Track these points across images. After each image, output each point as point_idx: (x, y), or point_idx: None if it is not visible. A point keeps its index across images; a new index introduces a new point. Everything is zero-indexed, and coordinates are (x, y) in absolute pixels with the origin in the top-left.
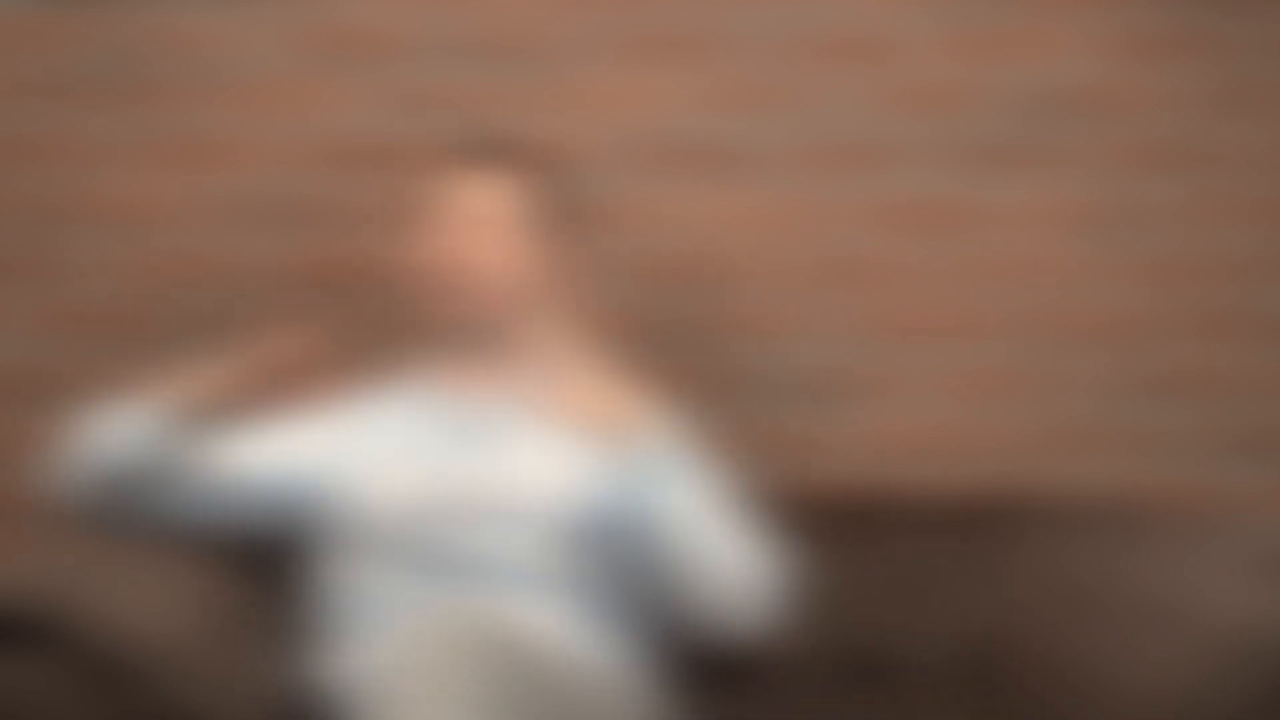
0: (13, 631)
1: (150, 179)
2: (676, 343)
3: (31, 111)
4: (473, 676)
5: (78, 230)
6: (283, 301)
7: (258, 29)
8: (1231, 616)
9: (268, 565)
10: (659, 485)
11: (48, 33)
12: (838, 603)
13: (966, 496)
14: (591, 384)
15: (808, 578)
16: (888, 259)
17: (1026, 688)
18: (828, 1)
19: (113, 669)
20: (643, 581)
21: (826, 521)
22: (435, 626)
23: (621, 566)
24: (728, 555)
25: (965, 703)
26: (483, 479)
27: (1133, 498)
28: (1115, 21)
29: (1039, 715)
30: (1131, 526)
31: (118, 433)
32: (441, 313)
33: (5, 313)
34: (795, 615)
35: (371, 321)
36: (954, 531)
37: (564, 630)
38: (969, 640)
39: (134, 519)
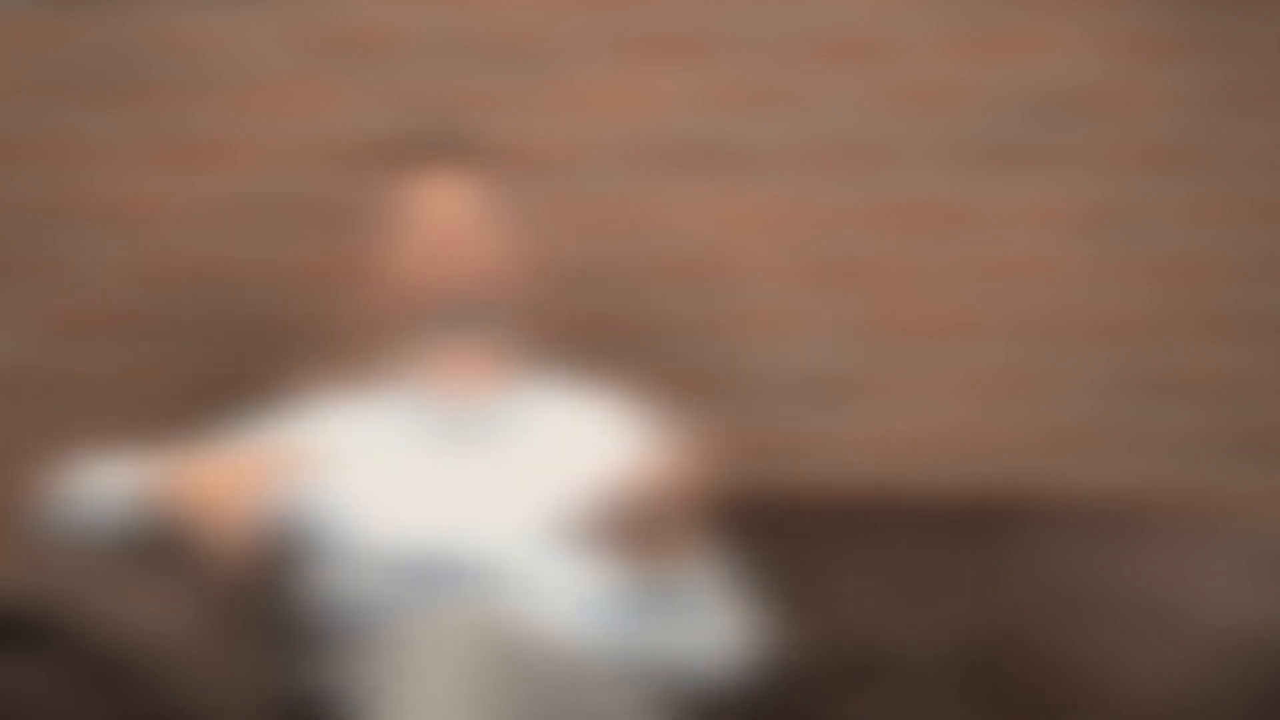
0: (13, 631)
1: (150, 179)
2: (676, 343)
3: (31, 111)
4: (475, 679)
5: (78, 230)
6: (283, 301)
7: (258, 29)
8: (1231, 616)
9: (268, 567)
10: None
11: (48, 33)
12: (837, 603)
13: (966, 496)
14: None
15: (807, 578)
16: (888, 259)
17: (1026, 687)
18: (828, 1)
19: (113, 669)
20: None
21: (826, 521)
22: (436, 630)
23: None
24: (714, 636)
25: (965, 703)
26: (474, 480)
27: (1133, 498)
28: (1115, 21)
29: (1039, 715)
30: (1131, 526)
31: (95, 499)
32: (421, 313)
33: (5, 313)
34: (794, 616)
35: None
36: (954, 531)
37: (564, 631)
38: (969, 640)
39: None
